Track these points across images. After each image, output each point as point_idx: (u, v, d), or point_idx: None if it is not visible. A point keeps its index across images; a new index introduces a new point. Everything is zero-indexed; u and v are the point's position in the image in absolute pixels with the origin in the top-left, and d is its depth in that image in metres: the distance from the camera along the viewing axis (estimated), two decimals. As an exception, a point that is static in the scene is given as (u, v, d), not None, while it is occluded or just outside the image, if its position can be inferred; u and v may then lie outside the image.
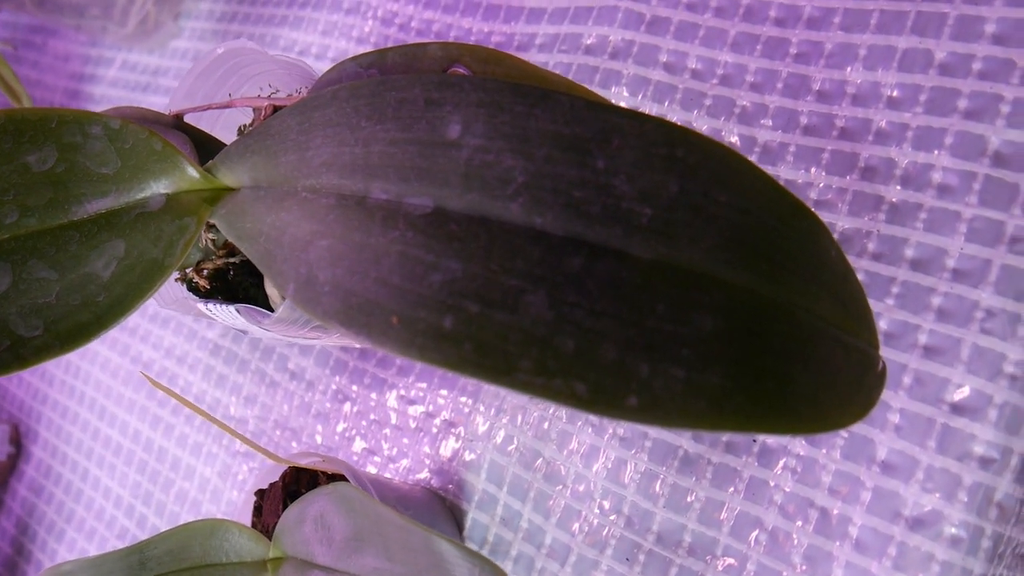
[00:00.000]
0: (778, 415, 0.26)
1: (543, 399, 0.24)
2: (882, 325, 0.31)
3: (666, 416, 0.25)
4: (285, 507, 0.38)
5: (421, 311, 0.26)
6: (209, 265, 0.35)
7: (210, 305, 0.33)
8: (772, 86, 0.37)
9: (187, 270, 0.36)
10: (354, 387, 0.45)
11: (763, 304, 0.26)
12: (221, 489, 0.49)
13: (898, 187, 0.32)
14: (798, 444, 0.32)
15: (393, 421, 0.43)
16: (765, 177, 0.27)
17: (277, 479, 0.38)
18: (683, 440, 0.35)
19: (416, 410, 0.43)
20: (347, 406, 0.44)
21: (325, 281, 0.28)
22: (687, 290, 0.26)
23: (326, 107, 0.30)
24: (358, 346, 0.41)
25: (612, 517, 0.36)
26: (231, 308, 0.32)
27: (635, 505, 0.35)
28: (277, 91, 0.37)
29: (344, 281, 0.27)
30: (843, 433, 0.31)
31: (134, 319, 0.57)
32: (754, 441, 0.33)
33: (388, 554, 0.31)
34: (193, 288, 0.35)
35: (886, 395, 0.31)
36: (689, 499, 0.34)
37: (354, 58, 0.31)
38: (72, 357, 0.59)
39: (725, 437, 0.34)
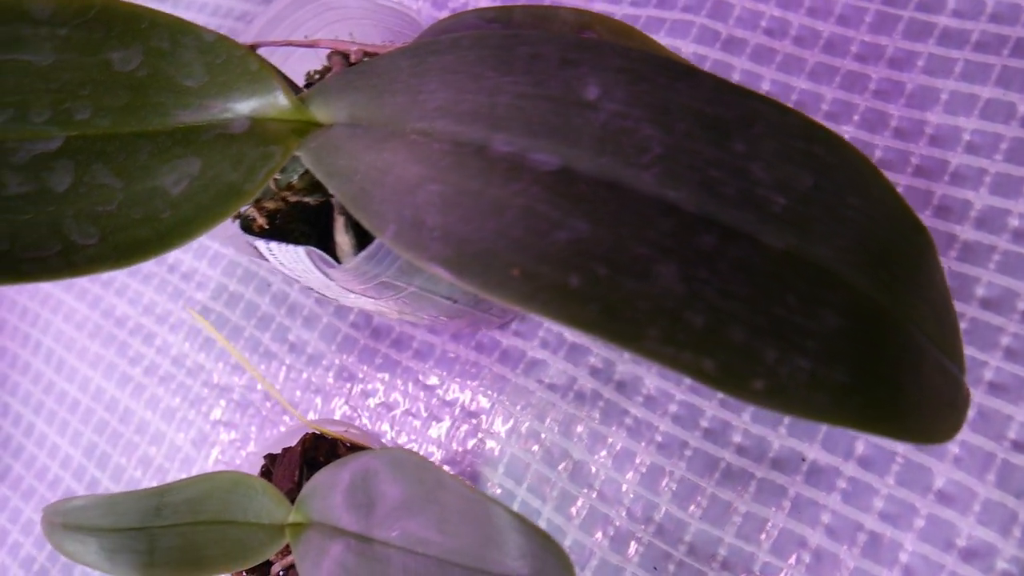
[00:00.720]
0: (889, 421, 0.26)
1: (671, 369, 0.24)
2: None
3: (789, 404, 0.25)
4: (301, 473, 0.36)
5: (544, 266, 0.25)
6: (270, 204, 0.34)
7: (272, 244, 0.31)
8: (848, 117, 0.38)
9: (243, 207, 0.34)
10: (363, 367, 0.44)
11: (882, 312, 0.27)
12: (193, 458, 0.46)
13: (972, 228, 0.33)
14: (850, 467, 0.32)
15: (403, 405, 0.42)
16: (892, 190, 0.28)
17: (295, 444, 0.36)
18: (726, 453, 0.35)
19: (430, 397, 0.42)
20: (351, 386, 0.43)
21: (434, 226, 0.27)
22: (815, 285, 0.26)
23: (445, 53, 0.29)
24: (396, 317, 0.40)
25: (642, 525, 0.35)
26: (298, 249, 0.31)
27: (669, 514, 0.35)
28: (352, 39, 0.36)
29: (458, 228, 0.26)
30: (899, 459, 0.32)
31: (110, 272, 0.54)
32: (803, 460, 0.33)
33: (440, 525, 0.30)
34: (246, 226, 0.34)
35: (951, 429, 0.32)
36: (729, 512, 0.34)
37: (476, 11, 0.31)
38: (32, 304, 0.56)
39: (772, 453, 0.34)
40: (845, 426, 0.24)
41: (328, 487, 0.33)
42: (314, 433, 0.38)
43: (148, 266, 0.54)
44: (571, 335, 0.40)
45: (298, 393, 0.46)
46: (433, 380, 0.43)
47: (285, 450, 0.38)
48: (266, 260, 0.33)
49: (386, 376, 0.44)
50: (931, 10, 0.37)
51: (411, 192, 0.28)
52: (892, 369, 0.26)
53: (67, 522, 0.31)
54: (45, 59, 0.28)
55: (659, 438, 0.37)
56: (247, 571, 0.36)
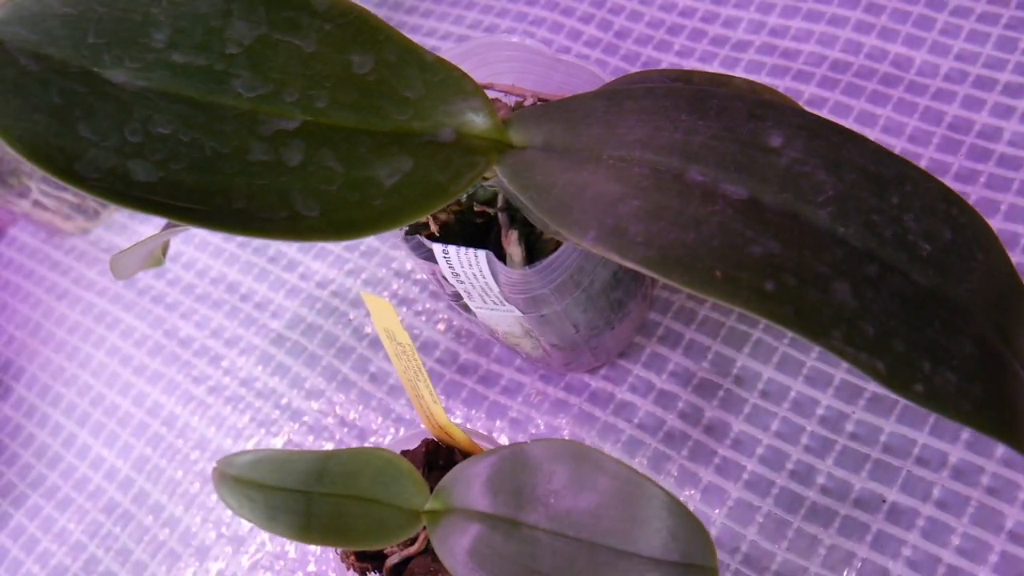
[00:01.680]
0: (1010, 435, 0.30)
1: (853, 364, 0.29)
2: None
3: (943, 406, 0.30)
4: (425, 473, 0.39)
5: (743, 273, 0.30)
6: (442, 215, 0.38)
7: (450, 247, 0.35)
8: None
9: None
10: (448, 400, 0.47)
11: (1000, 348, 0.32)
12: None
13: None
14: (928, 507, 0.37)
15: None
16: (1005, 253, 0.34)
17: (417, 446, 0.39)
18: (811, 492, 0.39)
19: (517, 431, 0.45)
20: (433, 416, 0.46)
21: (637, 233, 0.32)
22: (954, 317, 0.31)
23: (642, 98, 0.35)
24: (512, 341, 0.43)
25: (729, 554, 0.39)
26: (479, 253, 0.35)
27: (755, 544, 0.38)
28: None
29: (660, 236, 0.31)
30: (973, 502, 0.37)
31: (176, 295, 0.56)
32: (883, 501, 0.38)
33: (594, 508, 0.33)
34: (413, 230, 0.38)
35: (1016, 475, 0.37)
36: (814, 545, 0.37)
37: (659, 70, 0.36)
38: (84, 319, 0.57)
39: (854, 494, 0.38)
40: (983, 431, 0.29)
41: (468, 478, 0.36)
42: (432, 440, 0.40)
43: (218, 292, 0.56)
44: (661, 382, 0.44)
45: (379, 419, 0.48)
46: (521, 415, 0.46)
47: (404, 452, 0.40)
48: (427, 261, 0.37)
49: (473, 410, 0.47)
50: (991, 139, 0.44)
51: (612, 205, 0.32)
52: (1010, 394, 0.31)
53: (240, 475, 0.33)
54: (309, 47, 0.32)
55: (747, 476, 0.41)
56: (360, 554, 0.38)
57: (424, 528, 0.36)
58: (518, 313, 0.38)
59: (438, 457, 0.39)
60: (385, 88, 0.35)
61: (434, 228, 0.38)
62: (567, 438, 0.45)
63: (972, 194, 0.44)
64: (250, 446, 0.50)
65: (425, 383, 0.36)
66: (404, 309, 0.51)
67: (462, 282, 0.37)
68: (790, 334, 0.43)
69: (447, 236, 0.38)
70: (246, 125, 0.32)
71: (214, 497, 0.49)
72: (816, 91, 0.49)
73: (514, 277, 0.36)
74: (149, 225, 0.61)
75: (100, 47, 0.29)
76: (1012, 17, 0.48)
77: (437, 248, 0.36)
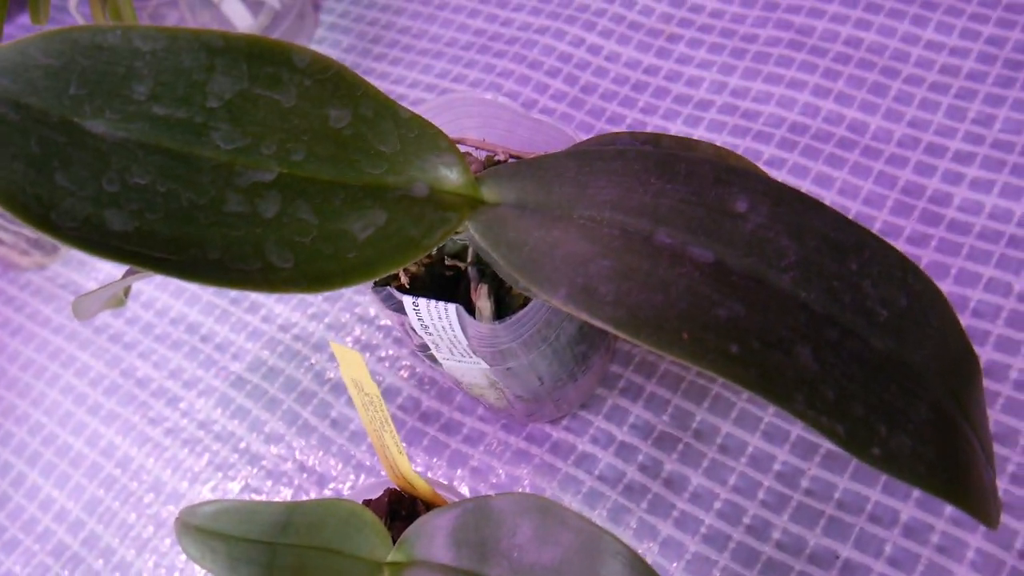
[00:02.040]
0: (964, 497, 0.32)
1: (813, 427, 0.30)
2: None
3: (898, 469, 0.31)
4: (387, 523, 0.39)
5: (709, 335, 0.31)
6: (413, 268, 0.38)
7: (420, 300, 0.36)
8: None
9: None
10: (409, 447, 0.47)
11: (953, 413, 0.33)
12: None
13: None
14: (880, 564, 0.38)
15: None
16: (958, 320, 0.35)
17: (380, 495, 0.39)
18: (767, 547, 0.40)
19: (478, 481, 0.45)
20: (394, 463, 0.46)
21: (607, 293, 0.32)
22: (910, 381, 0.32)
23: (612, 160, 0.36)
24: (477, 392, 0.43)
25: (686, 610, 0.39)
26: (449, 306, 0.35)
27: (713, 601, 0.39)
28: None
29: (629, 296, 0.32)
30: (924, 560, 0.38)
31: (135, 335, 0.56)
32: (837, 557, 0.39)
33: (557, 564, 0.33)
34: (383, 282, 0.38)
35: (964, 534, 0.38)
36: (771, 602, 0.38)
37: (629, 132, 0.37)
38: (39, 357, 0.56)
39: (808, 550, 0.39)
40: (935, 494, 0.30)
41: (432, 530, 0.36)
42: (395, 490, 0.40)
43: (177, 333, 0.55)
44: (622, 434, 0.45)
45: (340, 466, 0.48)
46: (482, 464, 0.46)
47: (367, 501, 0.40)
48: (396, 313, 0.37)
49: (434, 459, 0.47)
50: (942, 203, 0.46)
51: (583, 264, 0.33)
52: (962, 458, 0.32)
53: (202, 525, 0.33)
54: (288, 102, 0.33)
55: (704, 530, 0.42)
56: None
57: (386, 581, 0.36)
58: (485, 366, 0.39)
59: (401, 507, 0.39)
60: (361, 142, 0.35)
61: (404, 280, 0.38)
62: (529, 490, 0.45)
63: (924, 257, 0.45)
64: (207, 490, 0.49)
65: (391, 434, 0.36)
66: (367, 355, 0.51)
67: (430, 334, 0.38)
68: (747, 392, 0.44)
69: (417, 288, 0.39)
70: (223, 176, 0.32)
71: (168, 541, 0.48)
72: (775, 151, 0.51)
73: (483, 331, 0.36)
74: (108, 262, 0.60)
75: (82, 98, 0.29)
76: (961, 87, 0.50)
77: (407, 300, 0.36)
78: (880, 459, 0.30)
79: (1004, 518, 0.38)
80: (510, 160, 0.40)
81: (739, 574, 0.40)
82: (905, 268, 0.35)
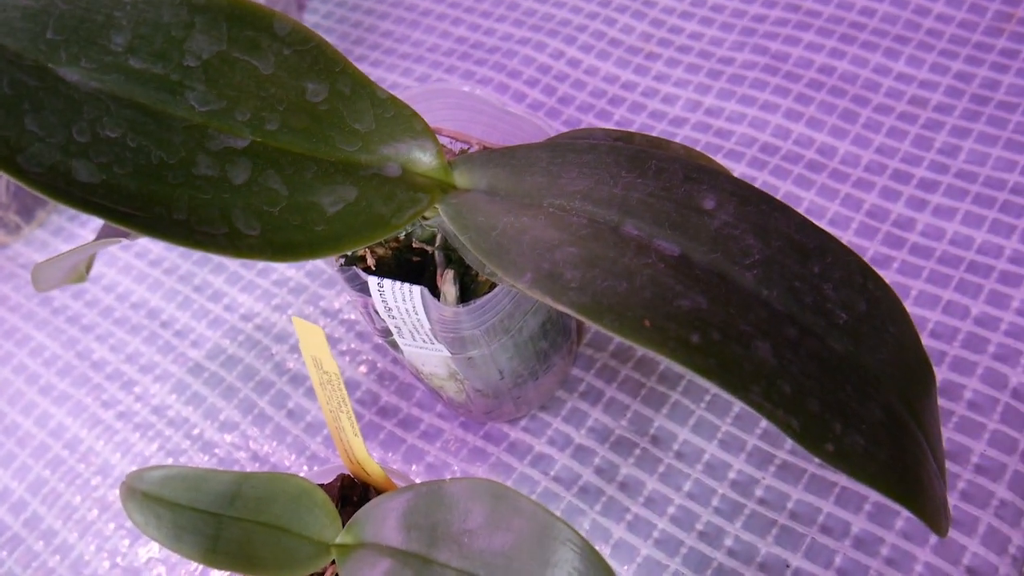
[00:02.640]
0: (914, 500, 0.32)
1: (768, 419, 0.30)
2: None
3: (850, 466, 0.31)
4: (338, 508, 0.38)
5: (671, 324, 0.31)
6: (379, 251, 0.38)
7: (385, 281, 0.36)
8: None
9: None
10: (366, 442, 0.46)
11: (905, 418, 0.34)
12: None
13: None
14: (831, 574, 0.38)
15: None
16: (915, 330, 0.35)
17: (332, 480, 0.39)
18: (718, 554, 0.40)
19: (433, 476, 0.45)
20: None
21: (572, 279, 0.33)
22: (865, 384, 0.33)
23: (585, 153, 0.36)
24: (436, 384, 0.43)
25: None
26: (414, 288, 0.35)
27: (661, 606, 0.39)
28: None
29: (594, 284, 0.32)
30: (873, 573, 0.38)
31: (93, 317, 0.55)
32: (787, 566, 0.39)
33: (508, 550, 0.33)
34: (349, 262, 0.38)
35: (913, 547, 0.38)
36: (720, 608, 0.38)
37: (603, 129, 0.38)
38: (-7, 332, 0.55)
39: (759, 558, 0.39)
40: (885, 493, 0.31)
41: (383, 513, 0.35)
42: (347, 475, 0.40)
43: (137, 317, 0.54)
44: (579, 436, 0.45)
45: (293, 456, 0.47)
46: (438, 461, 0.46)
47: (319, 486, 0.39)
48: (360, 294, 0.37)
49: (390, 453, 0.46)
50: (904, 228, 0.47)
51: (550, 250, 0.33)
52: (912, 461, 0.33)
53: (149, 491, 0.32)
54: (266, 69, 0.33)
55: (657, 535, 0.42)
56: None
57: (332, 563, 0.36)
58: (446, 353, 0.39)
59: (352, 493, 0.39)
60: (336, 118, 0.35)
61: (371, 262, 0.38)
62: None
63: (886, 278, 0.46)
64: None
65: (348, 415, 0.36)
66: (329, 348, 0.51)
67: (393, 317, 0.37)
68: (707, 399, 0.45)
69: (382, 271, 0.39)
70: (195, 138, 0.32)
71: (112, 526, 0.47)
72: (746, 170, 0.51)
73: (446, 315, 0.36)
74: (73, 242, 0.59)
75: (58, 43, 0.29)
76: (928, 119, 0.51)
77: (372, 281, 0.36)
78: (833, 455, 0.31)
79: (953, 533, 0.38)
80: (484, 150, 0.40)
81: (688, 579, 0.40)
82: (866, 275, 0.35)
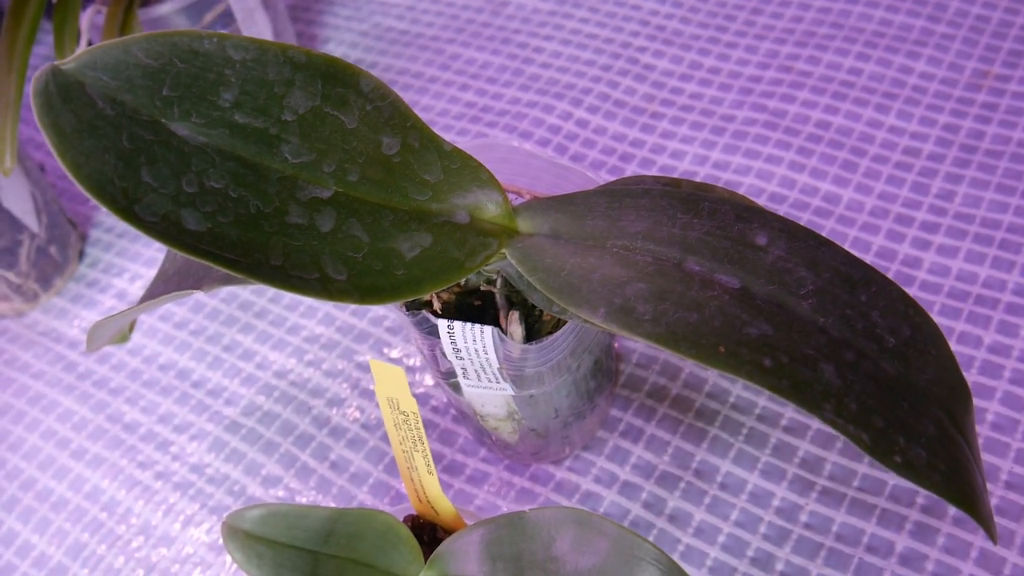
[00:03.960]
0: (972, 506, 0.34)
1: (842, 434, 0.32)
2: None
3: (918, 477, 0.33)
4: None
5: (743, 349, 0.34)
6: (444, 295, 0.40)
7: (455, 323, 0.37)
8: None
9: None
10: (411, 487, 0.47)
11: (953, 433, 0.36)
12: (210, 562, 0.47)
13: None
14: (894, 558, 0.40)
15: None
16: (952, 354, 0.38)
17: (402, 520, 0.40)
18: (779, 564, 0.41)
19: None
20: (397, 505, 0.46)
21: (645, 312, 0.35)
22: (918, 401, 0.35)
23: (640, 197, 0.39)
24: (492, 424, 0.45)
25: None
26: (485, 329, 0.37)
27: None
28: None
29: (666, 315, 0.35)
30: (932, 559, 0.40)
31: (121, 380, 0.55)
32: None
33: (595, 572, 0.35)
34: (417, 307, 0.40)
35: (956, 562, 0.40)
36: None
37: (652, 176, 0.41)
38: (17, 402, 0.55)
39: (823, 553, 0.41)
40: (950, 501, 0.33)
41: (464, 546, 0.36)
42: (415, 516, 0.41)
43: (167, 379, 0.55)
44: (624, 473, 0.46)
45: (341, 508, 0.48)
46: (487, 503, 0.47)
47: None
48: (428, 337, 0.39)
49: (436, 497, 0.47)
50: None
51: (620, 287, 0.35)
52: (966, 472, 0.35)
53: (251, 530, 0.33)
54: (351, 123, 0.35)
55: (710, 563, 0.43)
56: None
57: (415, 599, 0.37)
58: (509, 392, 0.40)
59: (423, 533, 0.40)
60: (408, 170, 0.38)
61: (437, 306, 0.40)
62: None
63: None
64: (201, 532, 0.48)
65: (424, 453, 0.37)
66: (366, 401, 0.52)
67: (461, 359, 0.39)
68: (744, 432, 0.47)
69: (446, 315, 0.41)
70: (287, 188, 0.34)
71: (158, 584, 0.47)
72: (756, 219, 0.55)
73: (514, 353, 0.38)
74: (92, 309, 0.60)
75: (172, 99, 0.30)
76: (923, 167, 0.55)
77: (442, 324, 0.38)
78: (902, 466, 0.33)
79: (991, 547, 0.41)
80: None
81: (745, 604, 0.41)
82: (907, 303, 0.38)
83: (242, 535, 0.33)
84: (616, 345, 0.51)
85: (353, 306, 0.57)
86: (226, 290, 0.59)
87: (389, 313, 0.56)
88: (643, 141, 0.60)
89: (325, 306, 0.57)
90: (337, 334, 0.55)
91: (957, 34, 0.61)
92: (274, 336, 0.56)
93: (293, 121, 0.33)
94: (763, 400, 0.47)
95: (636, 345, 0.51)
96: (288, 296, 0.58)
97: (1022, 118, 0.56)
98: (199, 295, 0.59)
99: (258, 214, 0.33)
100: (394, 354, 0.54)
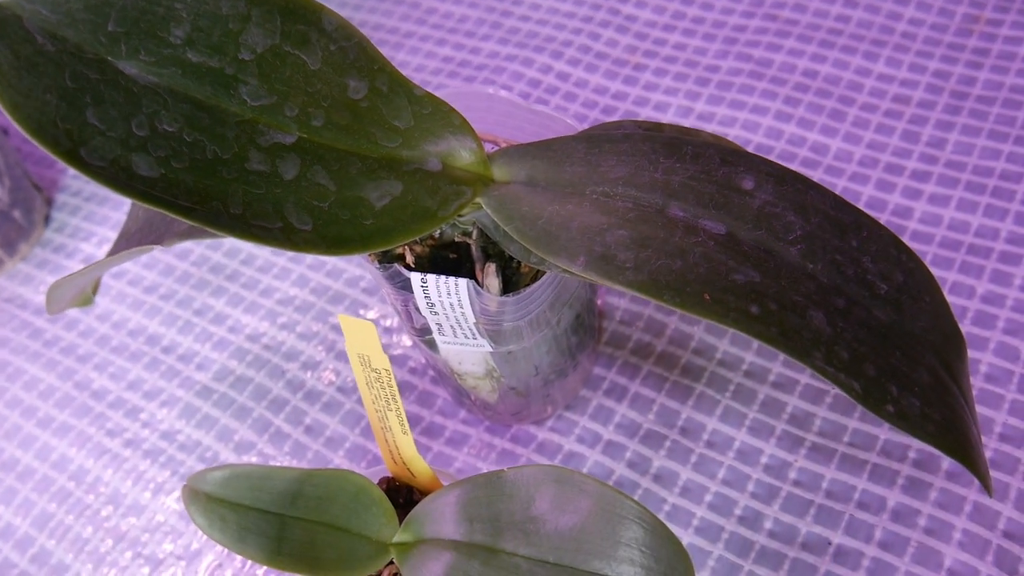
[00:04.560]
0: (968, 457, 0.33)
1: (832, 382, 0.31)
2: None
3: (911, 427, 0.32)
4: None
5: (730, 296, 0.32)
6: (418, 249, 0.38)
7: (428, 276, 0.36)
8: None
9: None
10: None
11: (946, 381, 0.35)
12: (181, 530, 0.45)
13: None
14: (872, 549, 0.39)
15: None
16: (946, 300, 0.37)
17: (377, 482, 0.38)
18: (760, 537, 0.40)
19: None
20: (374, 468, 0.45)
21: (626, 259, 0.33)
22: (910, 348, 0.34)
23: (620, 142, 0.37)
24: (471, 383, 0.43)
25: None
26: (459, 281, 0.35)
27: (708, 591, 0.39)
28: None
29: (648, 262, 0.33)
30: (913, 543, 0.39)
31: (89, 347, 0.53)
32: (829, 544, 0.39)
33: (576, 533, 0.33)
34: (389, 260, 0.38)
35: (950, 516, 0.39)
36: (767, 588, 0.39)
37: (633, 120, 0.39)
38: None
39: (800, 538, 0.40)
40: (945, 452, 0.32)
41: (440, 508, 0.35)
42: (391, 478, 0.39)
43: (136, 344, 0.53)
44: (608, 433, 0.45)
45: (315, 470, 0.46)
46: (467, 466, 0.45)
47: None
48: (401, 291, 0.37)
49: (414, 460, 0.46)
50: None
51: (600, 234, 0.34)
52: (961, 423, 0.34)
53: (213, 492, 0.31)
54: (314, 64, 0.33)
55: (696, 523, 0.42)
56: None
57: (390, 563, 0.35)
58: (487, 348, 0.39)
59: (398, 495, 0.39)
60: (376, 115, 0.36)
61: (410, 259, 0.38)
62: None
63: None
64: (171, 500, 0.47)
65: (397, 412, 0.36)
66: (342, 364, 0.50)
67: (436, 314, 0.37)
68: (731, 388, 0.45)
69: (420, 269, 0.39)
70: (247, 133, 0.32)
71: (128, 555, 0.46)
72: (742, 171, 0.53)
73: (491, 306, 0.37)
74: (59, 274, 0.58)
75: (118, 36, 0.28)
76: (913, 114, 0.53)
77: (415, 277, 0.36)
78: (895, 416, 0.32)
79: (986, 500, 0.40)
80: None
81: (734, 564, 0.40)
82: (899, 248, 0.37)
83: (204, 498, 0.31)
84: (599, 302, 0.50)
85: (328, 266, 0.55)
86: (197, 253, 0.57)
87: (365, 273, 0.54)
88: (626, 93, 0.58)
89: (299, 267, 0.55)
90: (312, 296, 0.53)
91: (947, -21, 0.59)
92: (246, 299, 0.54)
93: (251, 60, 0.31)
94: (751, 356, 0.46)
95: (620, 301, 0.49)
96: (261, 258, 0.56)
97: (1014, 63, 0.54)
98: (158, 251, 0.57)
99: (216, 160, 0.31)
100: (370, 315, 0.52)
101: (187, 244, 0.58)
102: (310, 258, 0.55)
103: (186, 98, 0.30)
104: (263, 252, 0.56)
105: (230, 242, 0.57)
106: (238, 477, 0.32)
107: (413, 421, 0.47)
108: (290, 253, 0.56)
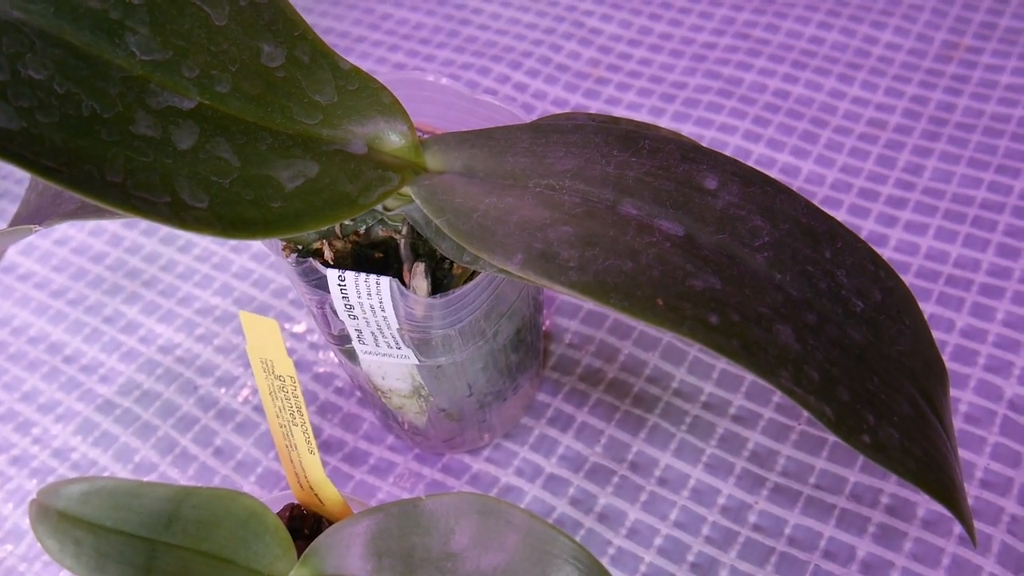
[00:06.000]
0: (952, 499, 0.29)
1: (801, 406, 0.27)
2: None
3: (890, 461, 0.28)
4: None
5: (685, 303, 0.28)
6: (338, 244, 0.34)
7: (348, 273, 0.31)
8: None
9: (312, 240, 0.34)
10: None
11: (928, 414, 0.31)
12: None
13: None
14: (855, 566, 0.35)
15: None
16: (927, 326, 0.33)
17: (279, 511, 0.33)
18: (723, 571, 0.36)
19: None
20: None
21: (570, 258, 0.30)
22: (889, 375, 0.30)
23: (570, 133, 0.33)
24: (396, 402, 0.38)
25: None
26: (381, 279, 0.31)
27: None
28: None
29: (595, 262, 0.29)
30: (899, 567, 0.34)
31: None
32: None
33: (501, 569, 0.29)
34: (304, 254, 0.33)
35: (925, 570, 0.35)
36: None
37: (586, 113, 0.35)
38: None
39: (774, 558, 0.35)
40: (926, 491, 0.28)
41: (346, 539, 0.30)
42: (296, 505, 0.34)
43: (36, 352, 0.48)
44: (550, 466, 0.40)
45: (221, 497, 0.41)
46: (391, 497, 0.40)
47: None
48: (315, 290, 0.32)
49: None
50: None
51: (541, 230, 0.29)
52: (943, 460, 0.30)
53: (66, 510, 0.26)
54: (220, 20, 0.29)
55: (644, 568, 0.37)
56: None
57: (284, 604, 0.30)
58: (413, 360, 0.34)
59: (303, 525, 0.34)
60: (294, 87, 0.31)
61: (328, 255, 0.34)
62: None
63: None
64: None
65: (303, 427, 0.31)
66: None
67: (355, 317, 0.33)
68: (688, 420, 0.41)
69: (340, 267, 0.34)
70: (134, 92, 0.27)
71: (1, 587, 0.40)
72: (707, 191, 0.49)
73: (417, 310, 0.32)
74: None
75: (-26, -42, 0.24)
76: (889, 139, 0.50)
77: (332, 274, 0.32)
78: (871, 447, 0.27)
79: (967, 553, 0.35)
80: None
81: (683, 615, 0.35)
82: (877, 263, 0.33)
83: (56, 516, 0.26)
84: (547, 323, 0.45)
85: (255, 276, 0.50)
86: (113, 256, 0.52)
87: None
88: (586, 107, 0.55)
89: (223, 275, 0.50)
90: (234, 306, 0.48)
91: (926, 4, 0.56)
92: (163, 307, 0.49)
93: (141, 5, 0.27)
94: (710, 386, 0.42)
95: (569, 323, 0.45)
96: (183, 264, 0.51)
97: (995, 91, 0.51)
98: (70, 253, 0.52)
99: (93, 118, 0.26)
100: (297, 329, 0.47)
101: (104, 247, 0.52)
102: (236, 266, 0.50)
103: (59, 42, 0.26)
104: (186, 258, 0.51)
105: (151, 246, 0.52)
106: (100, 493, 0.27)
107: (335, 446, 0.42)
108: (216, 260, 0.51)
